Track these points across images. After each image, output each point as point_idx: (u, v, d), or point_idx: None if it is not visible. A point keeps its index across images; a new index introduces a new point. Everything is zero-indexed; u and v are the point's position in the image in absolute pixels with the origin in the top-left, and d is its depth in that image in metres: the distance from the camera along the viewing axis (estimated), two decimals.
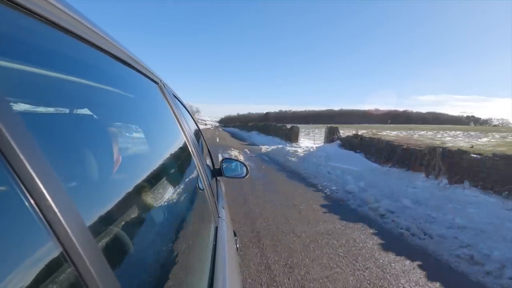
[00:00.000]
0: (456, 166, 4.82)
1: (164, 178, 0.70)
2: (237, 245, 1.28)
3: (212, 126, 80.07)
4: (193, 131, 1.29)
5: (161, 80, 0.92)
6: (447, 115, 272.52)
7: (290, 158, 8.47)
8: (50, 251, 0.23)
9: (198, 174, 1.00)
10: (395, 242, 2.98)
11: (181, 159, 0.92)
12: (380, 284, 2.21)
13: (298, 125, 17.99)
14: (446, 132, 23.70)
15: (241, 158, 8.54)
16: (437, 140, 7.51)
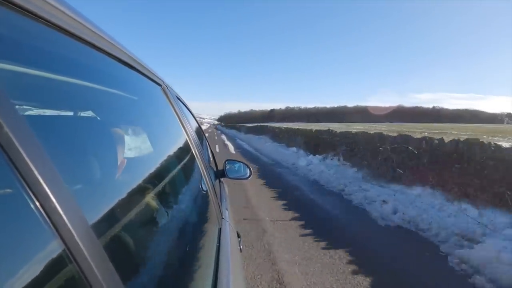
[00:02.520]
0: None
1: (168, 180, 0.70)
2: (241, 247, 1.28)
3: (210, 125, 68.94)
4: (196, 133, 1.29)
5: (164, 82, 0.92)
6: (485, 112, 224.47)
7: None
8: (55, 251, 0.23)
9: (201, 175, 1.01)
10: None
11: (185, 161, 0.92)
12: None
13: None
14: None
15: None
16: None
